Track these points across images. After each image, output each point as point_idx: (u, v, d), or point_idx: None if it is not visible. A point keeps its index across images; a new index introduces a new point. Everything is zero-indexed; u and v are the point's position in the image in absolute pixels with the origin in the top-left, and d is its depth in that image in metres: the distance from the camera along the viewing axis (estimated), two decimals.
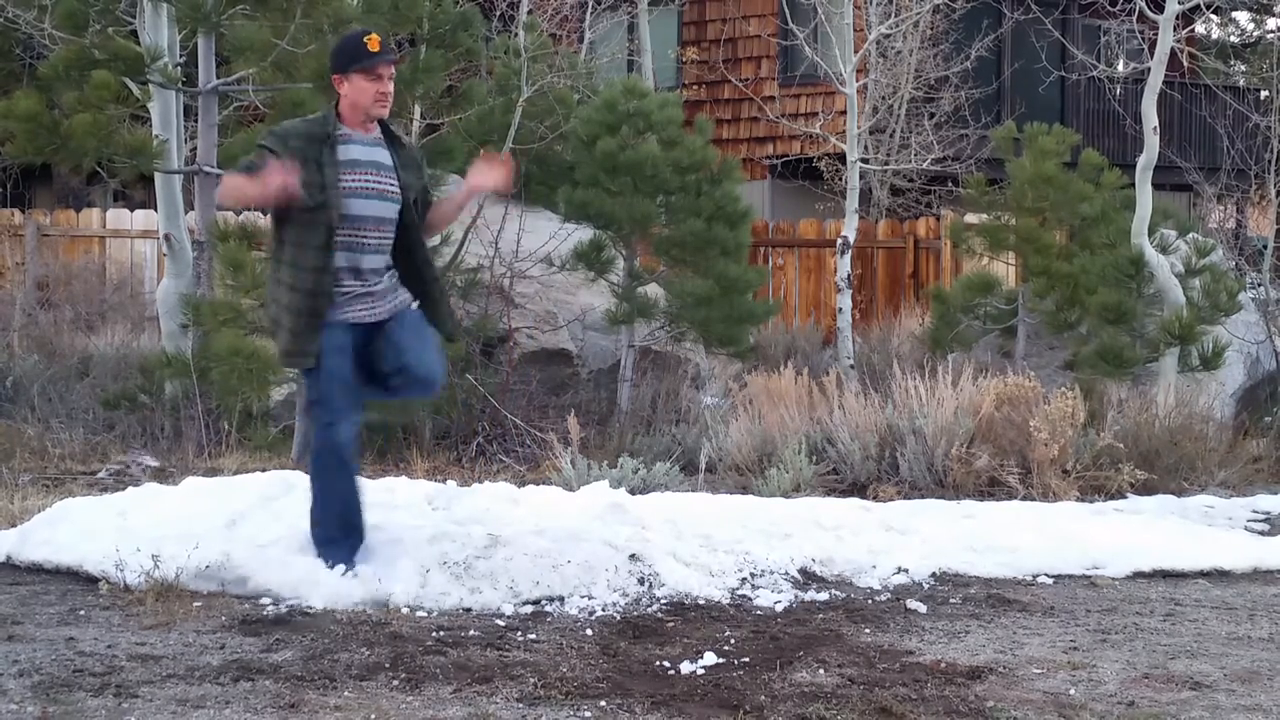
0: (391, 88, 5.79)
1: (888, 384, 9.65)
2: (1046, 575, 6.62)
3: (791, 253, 17.43)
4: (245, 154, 9.79)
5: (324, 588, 5.60)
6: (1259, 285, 13.29)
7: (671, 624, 5.50)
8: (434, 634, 5.23)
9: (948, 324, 12.63)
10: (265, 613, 5.41)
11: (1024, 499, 8.53)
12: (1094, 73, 16.07)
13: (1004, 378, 9.36)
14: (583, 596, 5.78)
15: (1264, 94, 20.24)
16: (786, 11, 17.09)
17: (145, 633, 5.16)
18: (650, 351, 11.48)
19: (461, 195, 6.02)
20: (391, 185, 5.79)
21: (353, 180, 5.71)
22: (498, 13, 16.44)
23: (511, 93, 12.21)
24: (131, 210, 16.26)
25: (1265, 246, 14.06)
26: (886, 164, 17.08)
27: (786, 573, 6.32)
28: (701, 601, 5.85)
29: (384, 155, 5.81)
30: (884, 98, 17.67)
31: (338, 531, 5.79)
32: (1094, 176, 12.49)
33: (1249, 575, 6.85)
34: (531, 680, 4.65)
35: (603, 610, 5.64)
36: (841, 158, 14.92)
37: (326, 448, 5.77)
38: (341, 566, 5.68)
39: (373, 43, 5.74)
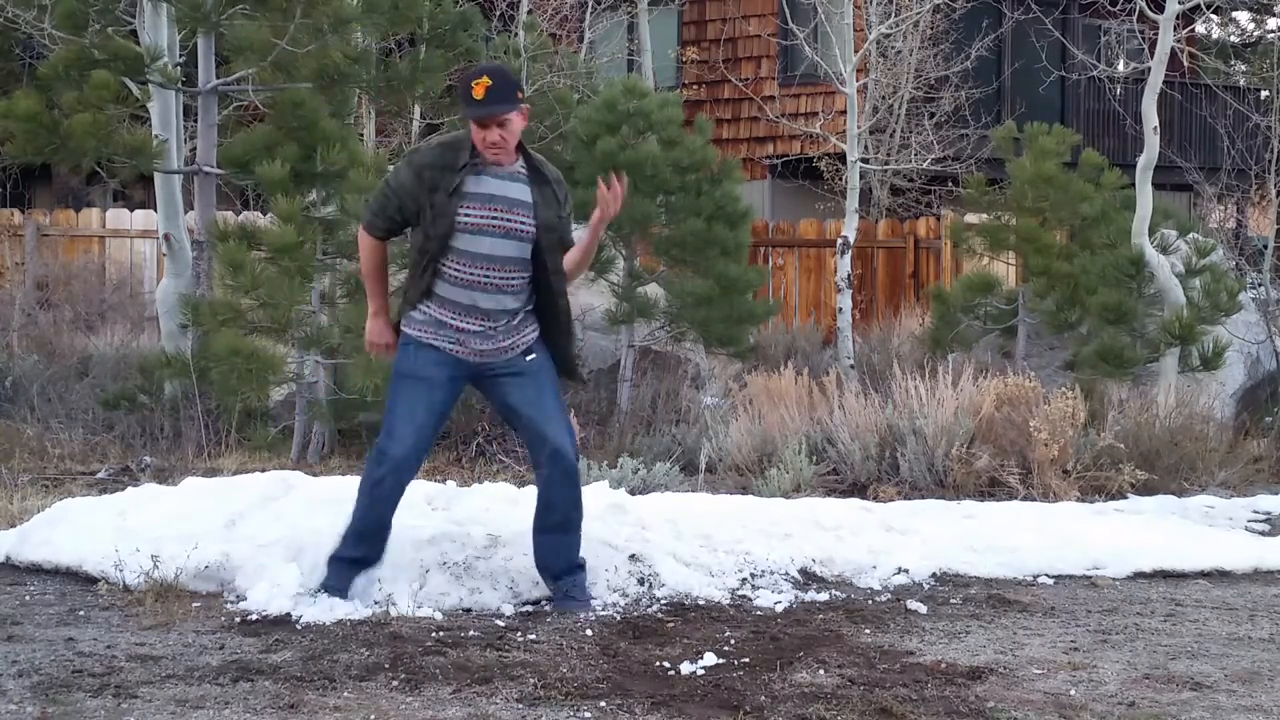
0: (504, 136, 5.32)
1: (888, 384, 9.64)
2: (1047, 575, 6.61)
3: (791, 253, 17.43)
4: (245, 154, 9.86)
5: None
6: (1259, 285, 13.29)
7: (671, 624, 5.49)
8: (434, 634, 5.22)
9: (948, 324, 12.63)
10: (264, 613, 5.41)
11: (1024, 499, 8.52)
12: (1094, 73, 16.06)
13: (1004, 378, 9.35)
14: None
15: (1264, 94, 20.24)
16: (786, 11, 17.09)
17: (144, 633, 5.16)
18: (650, 351, 11.48)
19: (591, 235, 5.58)
20: (524, 223, 5.40)
21: (476, 215, 5.37)
22: (498, 13, 16.45)
23: None
24: (131, 210, 16.27)
25: (1265, 246, 14.05)
26: (886, 164, 17.08)
27: (786, 573, 6.32)
28: (701, 602, 5.85)
29: (521, 190, 5.41)
30: (884, 98, 17.66)
31: (349, 550, 5.60)
32: (1094, 176, 12.49)
33: (1249, 575, 6.84)
34: (531, 680, 4.65)
35: (603, 610, 5.64)
36: (841, 158, 14.91)
37: (367, 470, 5.62)
38: (326, 596, 5.48)
39: (477, 88, 5.29)
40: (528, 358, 5.58)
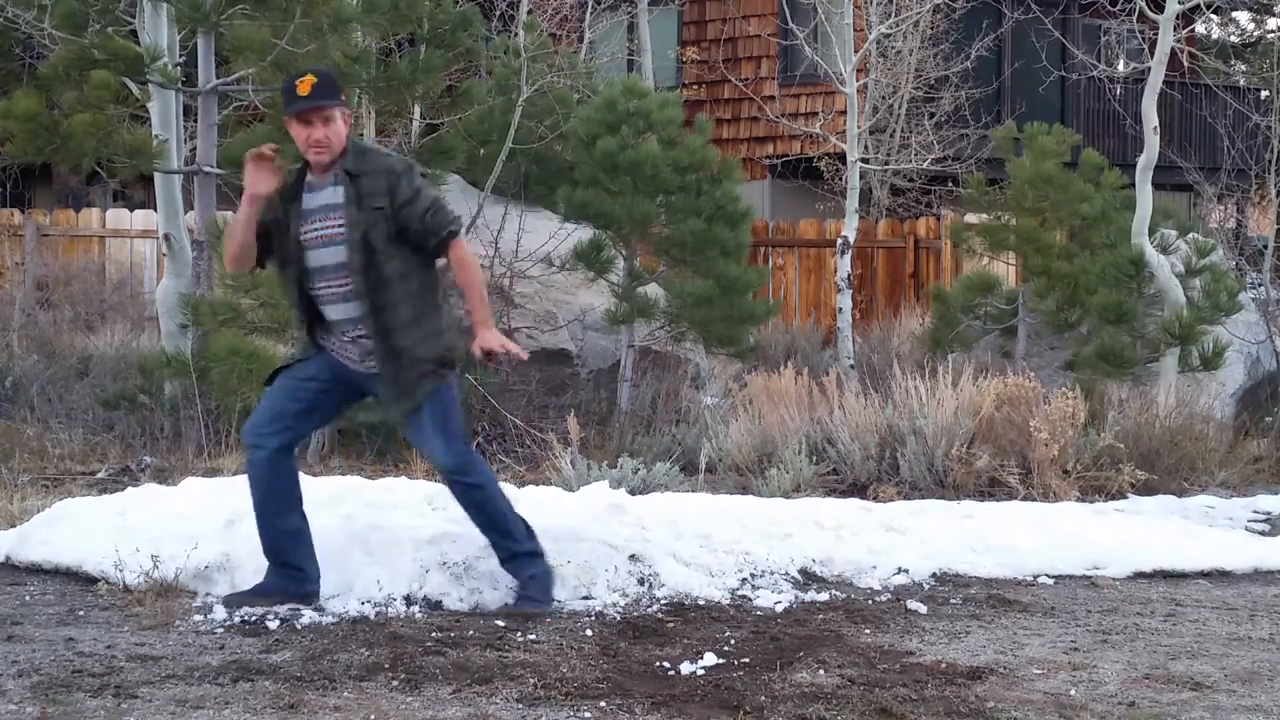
0: (328, 134, 5.31)
1: (888, 384, 9.64)
2: (1047, 575, 6.62)
3: (791, 253, 17.43)
4: (245, 154, 9.84)
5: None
6: (1259, 285, 13.29)
7: (671, 624, 5.49)
8: (434, 634, 5.22)
9: (948, 324, 12.63)
10: (265, 613, 5.40)
11: (1024, 499, 8.52)
12: (1094, 73, 16.07)
13: (1004, 378, 9.35)
14: (582, 597, 5.78)
15: (1264, 94, 20.24)
16: (786, 11, 17.08)
17: (144, 633, 5.16)
18: (650, 351, 11.48)
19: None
20: (336, 227, 5.36)
21: (307, 231, 5.39)
22: (498, 13, 16.44)
23: (511, 92, 12.21)
24: (131, 210, 16.26)
25: (1265, 246, 14.05)
26: (886, 164, 17.08)
27: (786, 573, 6.32)
28: (701, 602, 5.85)
29: (335, 195, 5.37)
30: (884, 98, 17.66)
31: (268, 554, 5.55)
32: (1094, 176, 12.49)
33: (1249, 575, 6.85)
34: (531, 681, 4.65)
35: (602, 610, 5.64)
36: (841, 158, 14.91)
37: (248, 463, 5.60)
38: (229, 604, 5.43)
39: (302, 85, 5.30)
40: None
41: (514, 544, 5.65)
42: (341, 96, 5.41)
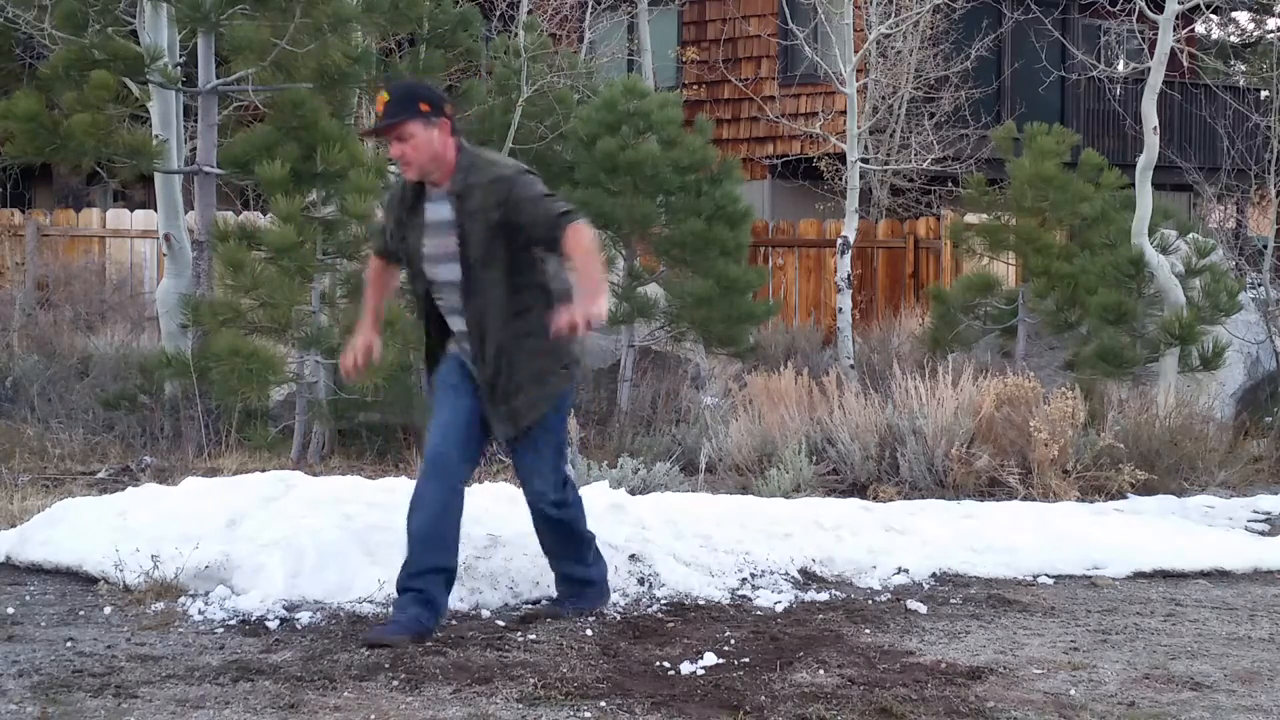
0: (407, 150, 5.07)
1: (888, 384, 9.64)
2: (1047, 575, 6.62)
3: (791, 253, 17.42)
4: (245, 154, 9.86)
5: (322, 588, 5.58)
6: (1259, 285, 13.29)
7: (671, 624, 5.49)
8: (434, 634, 5.22)
9: (948, 324, 12.63)
10: (265, 613, 5.41)
11: (1024, 499, 8.53)
12: (1094, 73, 16.06)
13: (1004, 378, 9.35)
14: None
15: (1264, 94, 20.24)
16: (786, 11, 17.08)
17: (145, 633, 5.16)
18: (650, 351, 11.48)
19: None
20: (454, 244, 5.15)
21: (427, 245, 5.19)
22: (498, 13, 16.44)
23: (511, 93, 12.23)
24: (131, 210, 16.26)
25: (1265, 246, 14.06)
26: (886, 164, 17.08)
27: (786, 573, 6.32)
28: (701, 601, 5.85)
29: (444, 210, 5.16)
30: (884, 98, 17.66)
31: (411, 569, 5.17)
32: (1094, 176, 12.50)
33: (1249, 575, 6.85)
34: (531, 680, 4.65)
35: (603, 610, 5.64)
36: (841, 158, 14.92)
37: (420, 472, 5.35)
38: (395, 625, 5.09)
39: (378, 104, 5.12)
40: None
41: (578, 567, 5.56)
42: (420, 108, 5.08)
